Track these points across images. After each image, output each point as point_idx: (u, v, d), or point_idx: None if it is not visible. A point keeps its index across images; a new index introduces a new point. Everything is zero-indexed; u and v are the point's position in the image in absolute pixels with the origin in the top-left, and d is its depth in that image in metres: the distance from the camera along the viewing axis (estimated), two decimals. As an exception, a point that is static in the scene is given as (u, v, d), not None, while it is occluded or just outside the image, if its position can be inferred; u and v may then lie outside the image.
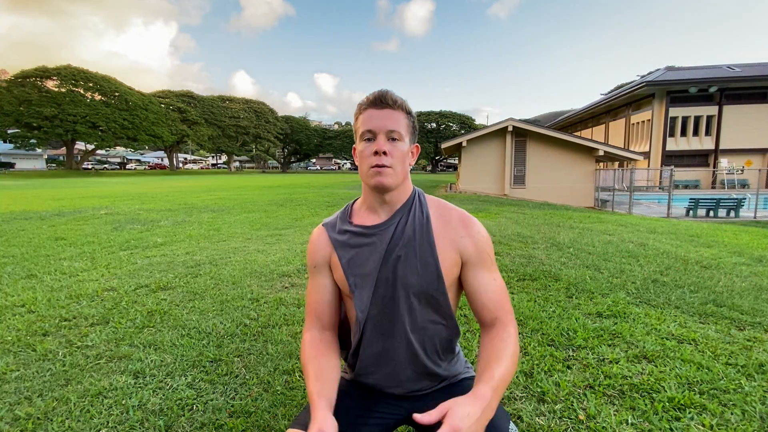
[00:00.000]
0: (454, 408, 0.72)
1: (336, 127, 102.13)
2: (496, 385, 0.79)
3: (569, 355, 2.09)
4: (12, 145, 43.99)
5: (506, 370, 0.83)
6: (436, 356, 1.00)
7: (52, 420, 1.59)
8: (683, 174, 22.82)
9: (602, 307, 2.76)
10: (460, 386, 1.02)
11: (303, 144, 71.74)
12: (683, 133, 23.12)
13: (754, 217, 11.73)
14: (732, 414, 1.59)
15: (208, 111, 58.24)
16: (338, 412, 0.87)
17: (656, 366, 1.97)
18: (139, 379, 1.88)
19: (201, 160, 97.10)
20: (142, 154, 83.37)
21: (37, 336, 2.35)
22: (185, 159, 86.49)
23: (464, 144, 15.91)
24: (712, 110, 22.59)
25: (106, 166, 66.24)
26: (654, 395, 1.72)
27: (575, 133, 23.48)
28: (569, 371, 1.93)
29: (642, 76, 25.78)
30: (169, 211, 8.63)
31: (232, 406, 1.68)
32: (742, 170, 21.48)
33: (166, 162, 71.99)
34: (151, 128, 46.42)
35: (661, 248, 4.86)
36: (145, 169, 67.59)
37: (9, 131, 40.13)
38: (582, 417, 1.58)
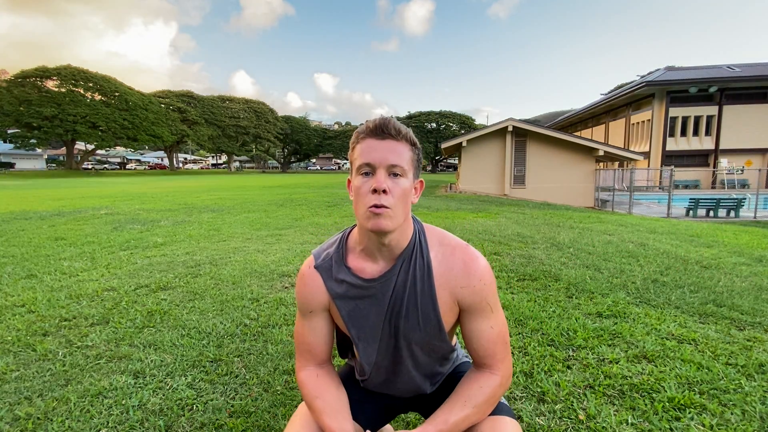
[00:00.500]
0: None
1: (336, 127, 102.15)
2: (450, 428, 0.82)
3: (569, 355, 2.09)
4: (12, 145, 43.98)
5: (463, 418, 0.83)
6: (438, 376, 1.04)
7: (52, 420, 1.59)
8: (683, 174, 22.81)
9: (602, 307, 2.76)
10: (457, 377, 1.04)
11: (303, 144, 71.75)
12: (683, 133, 23.12)
13: (754, 217, 11.73)
14: (732, 414, 1.59)
15: (208, 111, 58.24)
16: None
17: (656, 366, 1.97)
18: (139, 379, 1.88)
19: (201, 160, 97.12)
20: (142, 154, 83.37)
21: (37, 336, 2.35)
22: (185, 159, 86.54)
23: (464, 144, 15.91)
24: (712, 110, 22.59)
25: (106, 166, 66.25)
26: (654, 395, 1.72)
27: (575, 133, 23.50)
28: (569, 371, 1.93)
29: (642, 76, 25.78)
30: (169, 211, 8.63)
31: (232, 406, 1.68)
32: (742, 170, 21.48)
33: (166, 162, 71.99)
34: (151, 128, 46.42)
35: (661, 248, 4.86)
36: (145, 169, 67.60)
37: (9, 131, 40.15)
38: (582, 417, 1.58)
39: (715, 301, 2.93)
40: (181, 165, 75.94)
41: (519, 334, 2.36)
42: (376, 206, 0.79)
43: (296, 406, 1.66)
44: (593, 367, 1.96)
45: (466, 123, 66.60)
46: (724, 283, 3.38)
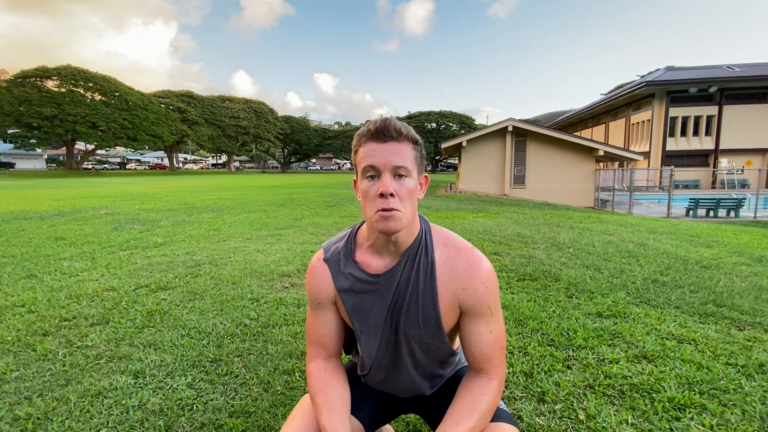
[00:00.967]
0: None
1: (336, 127, 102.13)
2: None
3: (569, 355, 2.09)
4: (12, 145, 44.00)
5: (471, 429, 0.84)
6: (437, 378, 1.04)
7: (52, 420, 1.59)
8: (683, 174, 22.81)
9: (602, 307, 2.76)
10: (457, 381, 1.04)
11: (303, 144, 71.75)
12: (683, 133, 23.12)
13: (754, 217, 11.73)
14: (732, 414, 1.59)
15: (208, 111, 58.25)
16: None
17: (656, 366, 1.97)
18: (139, 379, 1.88)
19: (201, 160, 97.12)
20: (142, 154, 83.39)
21: (37, 336, 2.35)
22: (185, 159, 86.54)
23: (464, 144, 15.92)
24: (712, 110, 22.59)
25: (106, 166, 66.28)
26: (654, 395, 1.72)
27: (575, 133, 23.50)
28: (569, 371, 1.93)
29: (642, 76, 25.78)
30: (169, 211, 8.63)
31: (232, 406, 1.68)
32: (742, 170, 21.48)
33: (166, 162, 72.02)
34: (151, 128, 46.43)
35: (661, 248, 4.86)
36: (145, 169, 67.61)
37: (9, 131, 40.15)
38: (582, 417, 1.58)
39: (715, 301, 2.93)
40: (181, 165, 75.97)
41: (519, 334, 2.36)
42: (384, 210, 0.80)
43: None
44: (593, 367, 1.96)
45: (466, 123, 66.62)
46: (724, 283, 3.38)
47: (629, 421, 1.56)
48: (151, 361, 2.05)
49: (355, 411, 0.98)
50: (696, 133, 23.08)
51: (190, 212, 8.53)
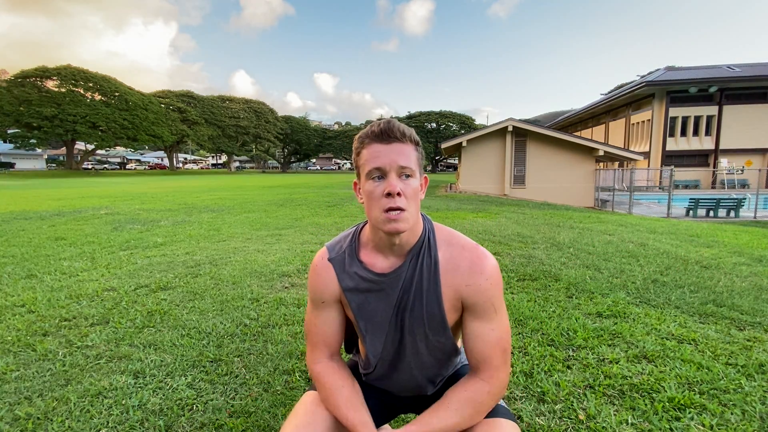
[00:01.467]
0: None
1: (336, 127, 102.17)
2: (428, 431, 0.83)
3: (569, 355, 2.09)
4: (12, 145, 43.99)
5: (447, 423, 0.84)
6: (439, 378, 1.05)
7: (52, 420, 1.59)
8: (683, 174, 22.82)
9: (602, 307, 2.76)
10: (457, 379, 1.05)
11: (303, 144, 71.74)
12: (683, 133, 23.12)
13: (754, 217, 11.73)
14: (732, 414, 1.59)
15: (208, 111, 58.25)
16: None
17: (656, 366, 1.97)
18: (139, 379, 1.88)
19: (201, 160, 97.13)
20: (142, 154, 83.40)
21: (37, 336, 2.35)
22: (185, 159, 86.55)
23: (464, 144, 15.92)
24: (712, 110, 22.59)
25: (106, 166, 66.29)
26: (654, 395, 1.72)
27: (575, 133, 23.50)
28: (569, 371, 1.93)
29: (642, 76, 25.78)
30: (169, 211, 8.63)
31: (232, 406, 1.68)
32: (742, 170, 21.48)
33: (166, 162, 72.02)
34: (151, 128, 46.43)
35: (661, 248, 4.86)
36: (145, 169, 67.61)
37: (9, 131, 40.14)
38: (582, 417, 1.58)
39: (715, 301, 2.93)
40: (181, 165, 75.98)
41: (519, 334, 2.36)
42: (391, 209, 0.81)
43: (296, 406, 1.67)
44: (593, 367, 1.96)
45: (466, 123, 66.63)
46: (724, 283, 3.38)
47: (629, 421, 1.56)
48: (151, 361, 2.05)
49: None
50: (696, 133, 23.08)
51: (190, 212, 8.53)
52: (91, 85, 42.51)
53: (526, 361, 2.03)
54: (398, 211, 0.81)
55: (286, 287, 3.28)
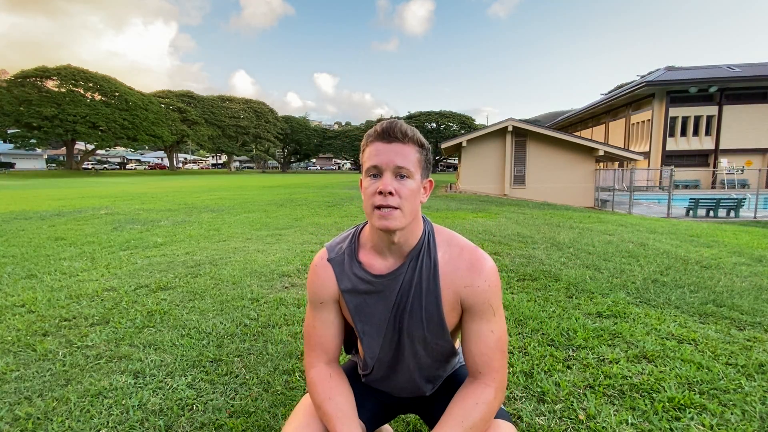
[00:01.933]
0: None
1: (336, 127, 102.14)
2: None
3: (569, 355, 2.09)
4: (12, 145, 43.99)
5: None
6: (437, 379, 1.05)
7: (52, 420, 1.59)
8: (683, 174, 22.82)
9: (602, 307, 2.76)
10: (456, 379, 1.06)
11: (303, 144, 71.75)
12: (683, 133, 23.12)
13: (754, 217, 11.73)
14: (732, 414, 1.59)
15: (208, 111, 58.26)
16: None
17: (656, 366, 1.97)
18: (139, 379, 1.88)
19: (201, 160, 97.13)
20: (142, 154, 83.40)
21: (37, 336, 2.35)
22: (185, 159, 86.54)
23: (464, 144, 15.92)
24: (712, 110, 22.59)
25: (106, 166, 66.29)
26: (654, 395, 1.72)
27: (575, 133, 23.50)
28: (569, 371, 1.93)
29: (642, 76, 25.78)
30: (169, 211, 8.63)
31: (232, 406, 1.68)
32: (742, 170, 21.48)
33: (166, 162, 72.03)
34: (151, 128, 46.43)
35: (661, 248, 4.86)
36: (145, 169, 67.62)
37: (9, 131, 40.14)
38: (582, 417, 1.58)
39: (715, 301, 2.93)
40: (181, 165, 75.96)
41: (519, 334, 2.36)
42: (381, 207, 0.82)
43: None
44: (593, 367, 1.95)
45: (466, 123, 66.62)
46: (724, 283, 3.38)
47: (629, 421, 1.56)
48: (151, 361, 2.05)
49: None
50: (696, 133, 23.08)
51: (190, 212, 8.53)
52: (91, 85, 42.51)
53: (526, 361, 2.03)
54: (389, 209, 0.82)
55: (286, 287, 3.28)
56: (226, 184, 22.96)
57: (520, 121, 15.65)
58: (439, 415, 0.90)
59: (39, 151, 53.38)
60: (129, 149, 57.17)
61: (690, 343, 2.22)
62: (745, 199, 12.72)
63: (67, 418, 1.60)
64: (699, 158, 23.37)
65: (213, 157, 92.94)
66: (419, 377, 1.00)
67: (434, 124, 67.52)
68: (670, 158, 22.87)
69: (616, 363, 1.99)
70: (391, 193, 0.82)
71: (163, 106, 51.05)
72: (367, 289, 0.94)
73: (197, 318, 2.61)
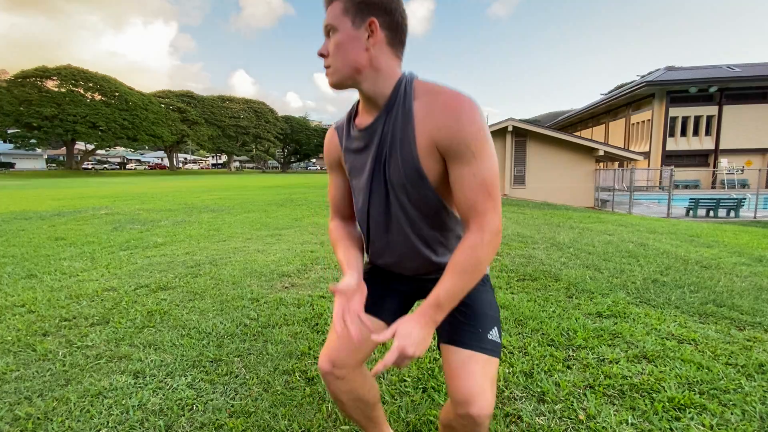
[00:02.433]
0: (399, 328, 0.82)
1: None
2: (440, 302, 0.85)
3: (569, 355, 2.09)
4: (12, 145, 44.00)
5: (453, 285, 0.85)
6: (438, 245, 1.01)
7: (52, 420, 1.59)
8: (683, 174, 22.83)
9: (602, 307, 2.75)
10: None
11: (303, 144, 71.77)
12: (683, 133, 23.13)
13: (754, 217, 11.73)
14: (732, 414, 1.59)
15: (208, 111, 58.26)
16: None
17: (656, 366, 1.97)
18: (139, 379, 1.88)
19: (201, 160, 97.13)
20: (142, 154, 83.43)
21: (37, 336, 2.35)
22: (185, 159, 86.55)
23: (464, 144, 15.88)
24: (712, 110, 22.60)
25: (106, 166, 66.32)
26: (654, 395, 1.72)
27: (575, 133, 23.50)
28: (569, 371, 1.93)
29: (642, 76, 25.79)
30: (169, 211, 8.63)
31: (232, 406, 1.68)
32: (742, 170, 21.50)
33: (166, 162, 72.06)
34: (151, 128, 46.44)
35: (661, 248, 4.86)
36: (145, 169, 67.64)
37: (9, 131, 40.15)
38: (582, 417, 1.58)
39: (715, 301, 2.93)
40: (181, 165, 75.94)
41: (519, 334, 2.36)
42: (325, 68, 0.90)
43: (296, 406, 1.67)
44: (593, 367, 1.95)
45: (466, 123, 66.52)
46: (724, 283, 3.38)
47: (629, 421, 1.56)
48: (151, 361, 2.05)
49: (377, 312, 1.08)
50: (696, 133, 23.10)
51: (190, 212, 8.53)
52: (91, 85, 42.53)
53: (526, 361, 2.03)
54: (326, 69, 0.89)
55: (286, 287, 3.28)
56: (226, 184, 22.96)
57: (520, 121, 15.65)
58: None
59: (39, 151, 53.40)
60: (129, 149, 57.17)
61: (690, 343, 2.22)
62: (745, 199, 12.72)
63: (67, 418, 1.60)
64: (699, 158, 23.39)
65: (213, 157, 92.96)
66: (415, 238, 0.99)
67: (434, 124, 67.46)
68: (670, 158, 22.88)
69: (616, 363, 1.99)
70: (323, 55, 0.89)
71: (163, 106, 51.04)
72: (357, 146, 0.99)
73: (197, 318, 2.61)
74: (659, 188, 19.52)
